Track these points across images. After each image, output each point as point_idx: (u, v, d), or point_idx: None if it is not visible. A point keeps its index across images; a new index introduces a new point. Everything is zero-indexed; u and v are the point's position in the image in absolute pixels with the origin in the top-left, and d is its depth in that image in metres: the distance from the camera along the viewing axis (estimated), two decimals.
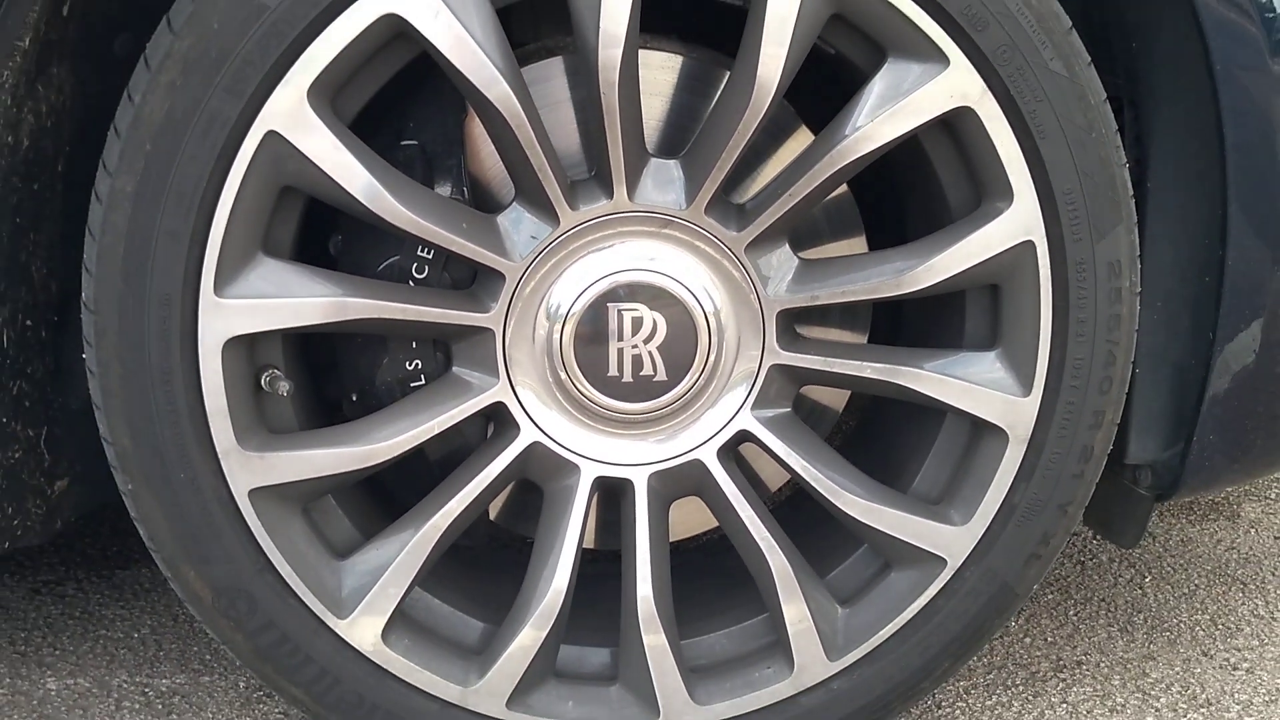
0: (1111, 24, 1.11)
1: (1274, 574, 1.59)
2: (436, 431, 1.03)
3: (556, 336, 1.04)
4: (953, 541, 1.09)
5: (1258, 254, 1.10)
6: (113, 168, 0.94)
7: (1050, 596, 1.53)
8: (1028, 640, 1.43)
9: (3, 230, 1.03)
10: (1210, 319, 1.13)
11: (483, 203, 1.11)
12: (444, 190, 1.06)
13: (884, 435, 1.22)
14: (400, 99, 1.05)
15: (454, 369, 1.06)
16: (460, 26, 0.93)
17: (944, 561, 1.10)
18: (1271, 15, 1.02)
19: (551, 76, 1.11)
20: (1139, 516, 1.26)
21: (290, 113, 0.93)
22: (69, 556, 1.60)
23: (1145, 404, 1.19)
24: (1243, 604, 1.52)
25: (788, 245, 1.07)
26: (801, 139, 1.16)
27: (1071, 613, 1.49)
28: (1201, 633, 1.45)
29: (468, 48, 0.94)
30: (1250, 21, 1.02)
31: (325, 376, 1.12)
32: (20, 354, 1.09)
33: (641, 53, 1.01)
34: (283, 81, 0.92)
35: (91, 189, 0.98)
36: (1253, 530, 1.72)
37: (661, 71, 1.12)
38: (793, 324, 1.09)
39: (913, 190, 1.15)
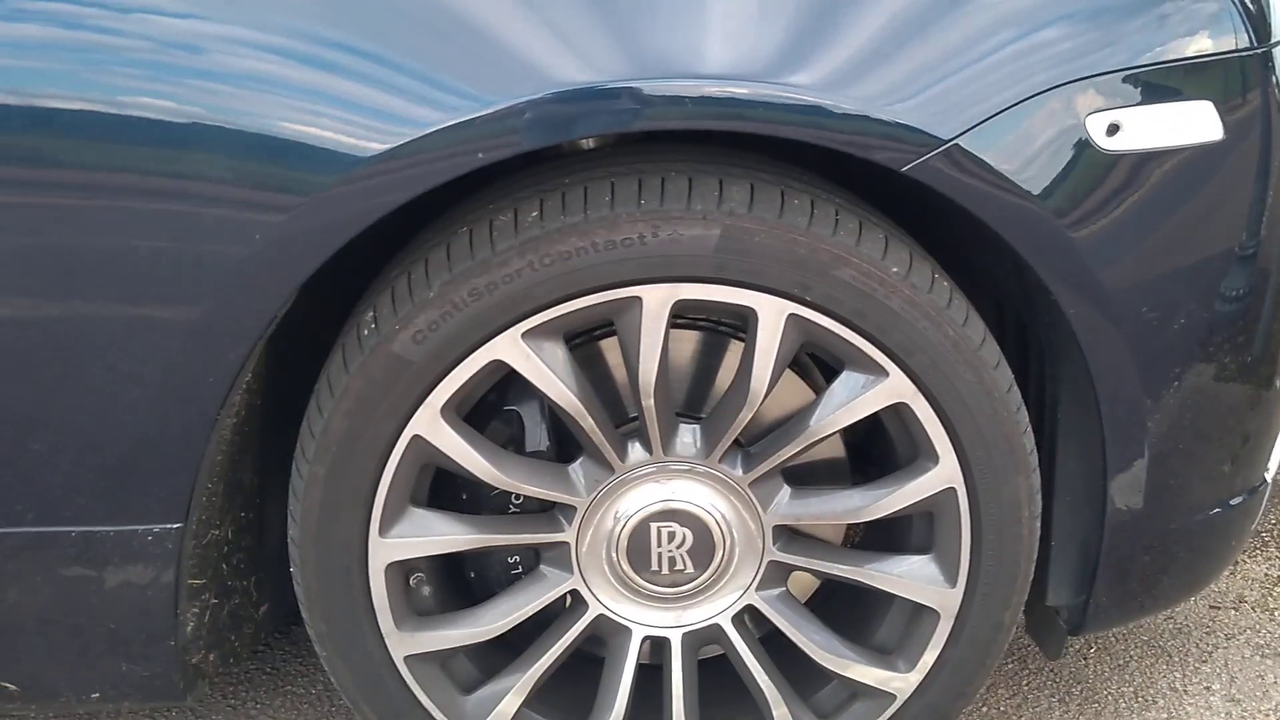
0: (1029, 312, 1.49)
1: (1198, 646, 1.99)
2: (529, 614, 1.49)
3: (614, 545, 1.47)
4: (901, 684, 1.52)
5: (1128, 476, 1.48)
6: (310, 457, 1.39)
7: (1009, 666, 1.95)
8: (984, 709, 1.85)
9: (269, 461, 1.48)
10: (1100, 513, 1.52)
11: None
12: (536, 440, 1.50)
13: (859, 595, 1.63)
14: (504, 380, 1.47)
15: (541, 566, 1.51)
16: (542, 364, 1.35)
17: (894, 697, 1.53)
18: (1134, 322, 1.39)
19: (611, 348, 1.52)
20: (1059, 639, 1.67)
21: (428, 423, 1.37)
22: None
23: (1059, 565, 1.60)
24: (1164, 676, 1.92)
25: (782, 479, 1.48)
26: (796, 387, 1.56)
27: (1024, 682, 1.91)
28: (1124, 705, 1.86)
29: (547, 377, 1.36)
30: (1106, 319, 1.39)
31: (455, 564, 1.58)
32: (237, 536, 1.56)
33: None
34: (423, 405, 1.36)
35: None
36: (1192, 597, 2.10)
37: (683, 343, 1.53)
38: (786, 530, 1.51)
39: (879, 437, 1.55)
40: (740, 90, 1.22)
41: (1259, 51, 1.36)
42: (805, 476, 1.55)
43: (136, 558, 1.41)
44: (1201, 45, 1.33)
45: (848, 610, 1.63)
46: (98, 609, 1.45)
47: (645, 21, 1.23)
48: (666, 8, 1.23)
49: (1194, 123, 1.33)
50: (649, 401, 1.38)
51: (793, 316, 1.35)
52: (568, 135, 1.26)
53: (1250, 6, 1.35)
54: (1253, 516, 1.63)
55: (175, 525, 1.40)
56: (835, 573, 1.50)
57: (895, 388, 1.39)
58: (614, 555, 1.48)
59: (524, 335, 1.34)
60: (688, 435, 1.45)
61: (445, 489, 1.54)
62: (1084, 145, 1.30)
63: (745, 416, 1.40)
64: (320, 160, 1.22)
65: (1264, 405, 1.55)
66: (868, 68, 1.25)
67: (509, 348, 1.34)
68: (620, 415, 1.52)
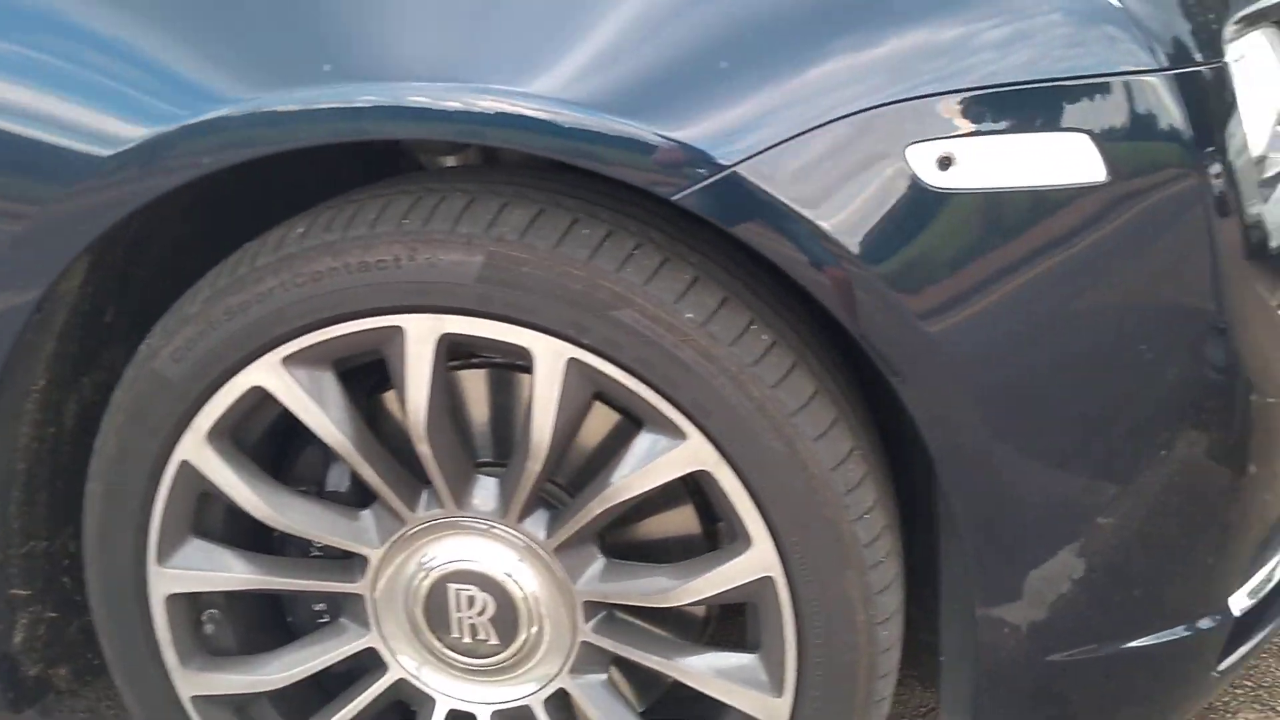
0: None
1: None
2: (319, 668, 1.37)
3: (410, 604, 1.34)
4: None
5: (1001, 588, 1.22)
6: (91, 475, 1.33)
7: None
8: None
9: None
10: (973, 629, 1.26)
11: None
12: (336, 479, 1.39)
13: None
14: None
15: (341, 618, 1.38)
16: (305, 395, 1.24)
17: None
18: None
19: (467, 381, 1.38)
20: None
21: (195, 448, 1.28)
22: None
23: (951, 685, 1.34)
24: None
25: (595, 547, 1.30)
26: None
27: None
28: None
29: (310, 410, 1.25)
30: (947, 391, 1.15)
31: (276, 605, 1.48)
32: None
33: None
34: (189, 428, 1.27)
35: None
36: None
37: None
38: (604, 610, 1.32)
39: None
40: (456, 103, 1.07)
41: (1168, 73, 1.10)
42: (656, 551, 1.37)
43: None
44: (1073, 63, 1.08)
45: (696, 710, 1.42)
46: None
47: (367, 23, 1.11)
48: (388, 11, 1.10)
49: (1060, 159, 1.08)
50: (424, 447, 1.24)
51: (573, 361, 1.18)
52: (270, 147, 1.14)
53: (1146, 17, 1.09)
54: (1201, 657, 1.32)
55: None
56: (646, 663, 1.30)
57: (694, 453, 1.19)
58: (413, 616, 1.34)
59: (284, 361, 1.23)
60: (486, 490, 1.30)
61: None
62: (907, 180, 1.08)
63: (533, 470, 1.24)
64: (48, 168, 1.16)
65: (1216, 515, 1.25)
66: (621, 76, 1.07)
67: (268, 374, 1.24)
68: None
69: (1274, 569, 1.36)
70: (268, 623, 1.48)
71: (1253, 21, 1.29)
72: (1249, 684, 1.86)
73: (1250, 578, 1.33)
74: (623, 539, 1.38)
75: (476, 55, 1.10)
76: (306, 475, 1.41)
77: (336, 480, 1.39)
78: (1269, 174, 1.31)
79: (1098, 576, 1.22)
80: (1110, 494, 1.19)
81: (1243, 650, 1.36)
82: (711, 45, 1.08)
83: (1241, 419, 1.19)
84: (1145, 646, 1.27)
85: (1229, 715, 1.80)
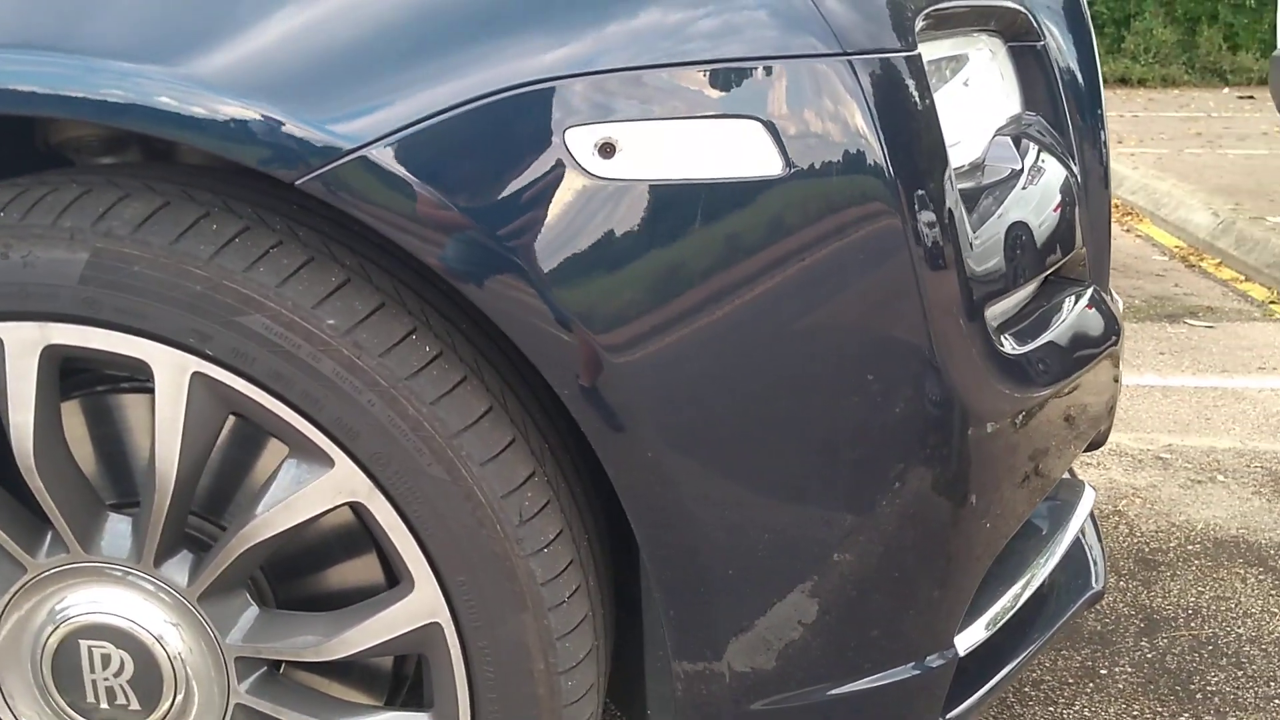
0: None
1: None
2: None
3: (38, 665, 1.15)
4: None
5: (688, 628, 1.10)
6: None
7: None
8: None
9: None
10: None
11: None
12: None
13: None
14: None
15: None
16: None
17: None
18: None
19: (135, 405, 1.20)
20: None
21: None
22: None
23: None
24: None
25: (247, 597, 1.14)
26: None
27: None
28: None
29: None
30: (612, 405, 1.03)
31: None
32: None
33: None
34: None
35: None
36: None
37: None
38: (263, 667, 1.16)
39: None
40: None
41: (849, 58, 1.01)
42: (334, 602, 1.21)
43: None
44: (744, 42, 0.98)
45: None
46: None
47: None
48: None
49: (732, 148, 0.98)
50: (34, 480, 1.07)
51: (199, 375, 1.03)
52: None
53: None
54: (923, 701, 1.21)
55: None
56: None
57: (344, 482, 1.04)
58: (41, 678, 1.15)
59: None
60: (117, 530, 1.13)
61: None
62: (566, 168, 0.96)
63: (162, 505, 1.07)
64: None
65: (918, 548, 1.15)
66: (232, 48, 0.94)
67: None
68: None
69: (999, 611, 1.27)
70: None
71: (960, 22, 1.23)
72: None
73: (974, 620, 1.24)
74: (304, 592, 1.22)
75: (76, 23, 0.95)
76: None
77: None
78: (988, 181, 1.25)
79: (804, 620, 1.11)
80: (815, 534, 1.08)
81: (974, 698, 1.26)
82: (339, 15, 0.95)
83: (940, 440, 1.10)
84: (859, 690, 1.16)
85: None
